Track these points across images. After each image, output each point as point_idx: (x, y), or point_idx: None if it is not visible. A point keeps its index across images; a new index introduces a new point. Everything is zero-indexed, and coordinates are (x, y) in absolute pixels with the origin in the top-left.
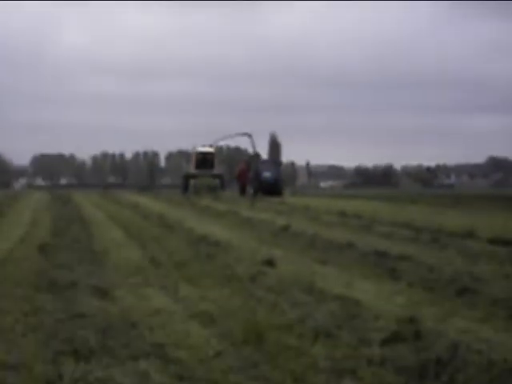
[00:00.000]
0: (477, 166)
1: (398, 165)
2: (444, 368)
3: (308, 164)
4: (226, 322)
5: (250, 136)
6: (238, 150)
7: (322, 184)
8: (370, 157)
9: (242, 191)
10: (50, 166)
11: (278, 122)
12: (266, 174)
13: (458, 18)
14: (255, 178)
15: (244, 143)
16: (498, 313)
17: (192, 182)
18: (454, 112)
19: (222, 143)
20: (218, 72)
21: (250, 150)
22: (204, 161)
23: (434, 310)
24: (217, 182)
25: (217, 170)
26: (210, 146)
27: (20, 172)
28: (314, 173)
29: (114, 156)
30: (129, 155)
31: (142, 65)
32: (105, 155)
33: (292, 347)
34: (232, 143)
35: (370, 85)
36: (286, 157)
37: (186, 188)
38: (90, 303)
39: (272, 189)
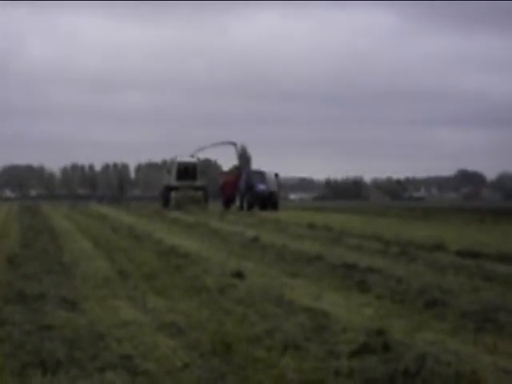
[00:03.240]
0: (446, 179)
1: (367, 177)
2: (412, 380)
3: (278, 176)
4: (195, 333)
5: (234, 145)
6: (207, 161)
7: (292, 196)
8: (339, 169)
9: (227, 204)
10: (19, 178)
11: (247, 134)
12: (262, 187)
13: (421, 31)
14: (247, 190)
15: (214, 155)
16: (467, 325)
17: (173, 194)
18: (424, 125)
19: (201, 153)
20: (185, 84)
21: (221, 161)
22: (186, 172)
23: (402, 322)
24: (200, 194)
25: (200, 181)
26: (192, 155)
27: None
28: (283, 185)
29: (83, 168)
30: (98, 167)
31: (109, 76)
32: (74, 167)
33: (260, 359)
34: (202, 155)
35: (339, 98)
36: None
37: (166, 201)
38: (58, 315)
39: (267, 202)
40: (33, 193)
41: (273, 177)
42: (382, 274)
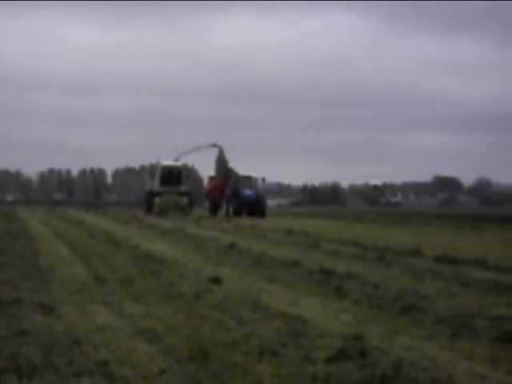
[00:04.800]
0: (423, 185)
1: (344, 183)
2: None
3: (265, 181)
4: (171, 339)
5: (220, 148)
6: (184, 167)
7: (269, 202)
8: (316, 175)
9: (213, 211)
10: None
11: (223, 138)
12: (248, 193)
13: (398, 36)
14: (234, 195)
15: (191, 159)
16: (443, 331)
17: (157, 200)
18: (401, 130)
19: (185, 156)
20: (162, 88)
21: (198, 166)
22: (170, 176)
23: (379, 327)
24: (185, 200)
25: (184, 186)
26: (176, 159)
27: None
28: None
29: (60, 173)
30: (75, 172)
31: (86, 80)
32: (51, 172)
33: (237, 365)
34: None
35: (314, 103)
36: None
37: (149, 207)
38: (35, 320)
39: (254, 209)
40: (9, 198)
41: (260, 182)
42: (359, 279)
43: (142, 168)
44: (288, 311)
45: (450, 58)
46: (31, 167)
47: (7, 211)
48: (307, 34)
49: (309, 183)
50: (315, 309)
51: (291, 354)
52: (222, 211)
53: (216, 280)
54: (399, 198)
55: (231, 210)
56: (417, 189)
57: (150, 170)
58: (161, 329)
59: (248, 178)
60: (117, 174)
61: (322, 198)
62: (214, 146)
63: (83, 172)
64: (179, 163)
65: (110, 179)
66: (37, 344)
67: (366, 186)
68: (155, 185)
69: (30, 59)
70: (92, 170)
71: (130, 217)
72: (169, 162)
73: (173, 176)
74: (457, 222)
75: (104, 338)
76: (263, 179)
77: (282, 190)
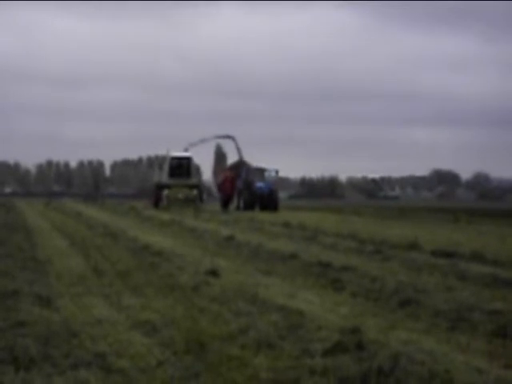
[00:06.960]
0: (421, 179)
1: (342, 176)
2: (386, 378)
3: (278, 173)
4: (169, 331)
5: (233, 139)
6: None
7: None
8: (315, 168)
9: (225, 204)
10: None
11: (219, 132)
12: (260, 185)
13: (396, 31)
14: (246, 188)
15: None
16: (440, 324)
17: (165, 192)
18: (399, 124)
19: (194, 147)
20: (158, 81)
21: (197, 159)
22: (179, 168)
23: (376, 320)
24: (195, 193)
25: (194, 178)
26: (186, 150)
27: None
28: None
29: (58, 165)
30: (73, 164)
31: (82, 72)
32: (49, 164)
33: (234, 357)
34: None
35: (314, 96)
36: None
37: (158, 200)
38: (32, 312)
39: (267, 202)
40: (7, 189)
41: (273, 174)
42: (356, 272)
43: (140, 160)
44: (285, 304)
45: (447, 52)
46: (29, 159)
47: (5, 203)
48: (308, 30)
49: (307, 176)
50: (312, 302)
51: (288, 347)
52: (235, 204)
53: (214, 272)
54: (397, 191)
55: (242, 204)
56: (415, 183)
57: (159, 161)
58: (158, 321)
59: (260, 170)
60: (115, 166)
61: (320, 192)
62: (226, 137)
63: (81, 164)
64: (189, 154)
65: (108, 171)
66: (34, 336)
67: (364, 179)
68: (164, 177)
69: (24, 51)
70: (90, 162)
71: (129, 209)
72: (178, 153)
73: (182, 168)
74: (454, 215)
75: (101, 330)
76: (276, 172)
77: (280, 183)
